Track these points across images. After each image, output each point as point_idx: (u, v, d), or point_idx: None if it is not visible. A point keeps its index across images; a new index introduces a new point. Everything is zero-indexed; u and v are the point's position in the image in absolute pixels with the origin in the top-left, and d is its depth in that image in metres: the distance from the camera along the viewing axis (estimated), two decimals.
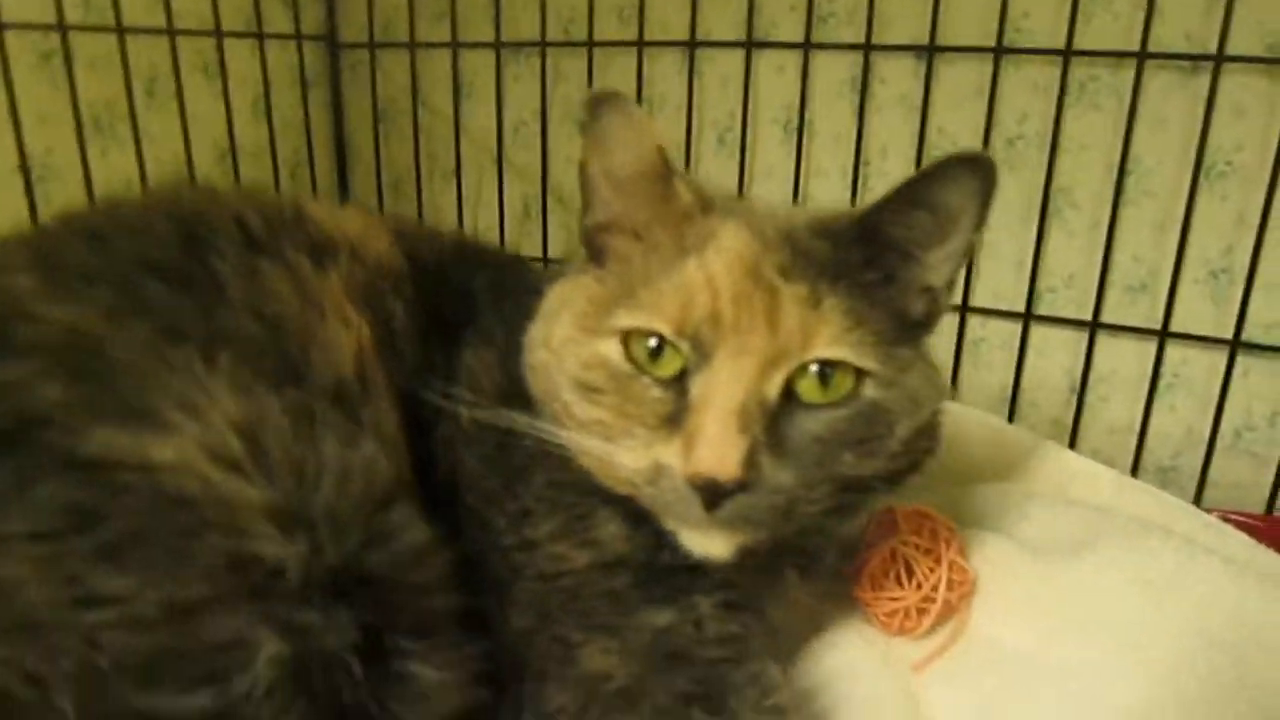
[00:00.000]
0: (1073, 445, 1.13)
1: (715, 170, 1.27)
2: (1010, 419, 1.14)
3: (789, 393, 0.58)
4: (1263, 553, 0.86)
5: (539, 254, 1.37)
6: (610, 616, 0.61)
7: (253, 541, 0.50)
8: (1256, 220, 1.00)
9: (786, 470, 0.57)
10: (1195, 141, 1.00)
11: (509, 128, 1.36)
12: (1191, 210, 1.03)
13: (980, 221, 0.61)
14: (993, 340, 1.17)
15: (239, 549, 0.50)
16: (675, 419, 0.57)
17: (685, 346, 0.58)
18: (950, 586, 0.71)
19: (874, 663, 0.72)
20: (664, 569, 0.61)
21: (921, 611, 0.71)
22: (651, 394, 0.58)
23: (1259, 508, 1.06)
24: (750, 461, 0.55)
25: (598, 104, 0.62)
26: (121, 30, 1.09)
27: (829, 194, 1.21)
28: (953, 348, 1.16)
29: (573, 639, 0.60)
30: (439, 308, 0.70)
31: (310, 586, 0.51)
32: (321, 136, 1.45)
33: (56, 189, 1.07)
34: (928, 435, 0.67)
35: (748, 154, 1.23)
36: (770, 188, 1.24)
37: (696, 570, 0.61)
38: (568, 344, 0.62)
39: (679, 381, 0.58)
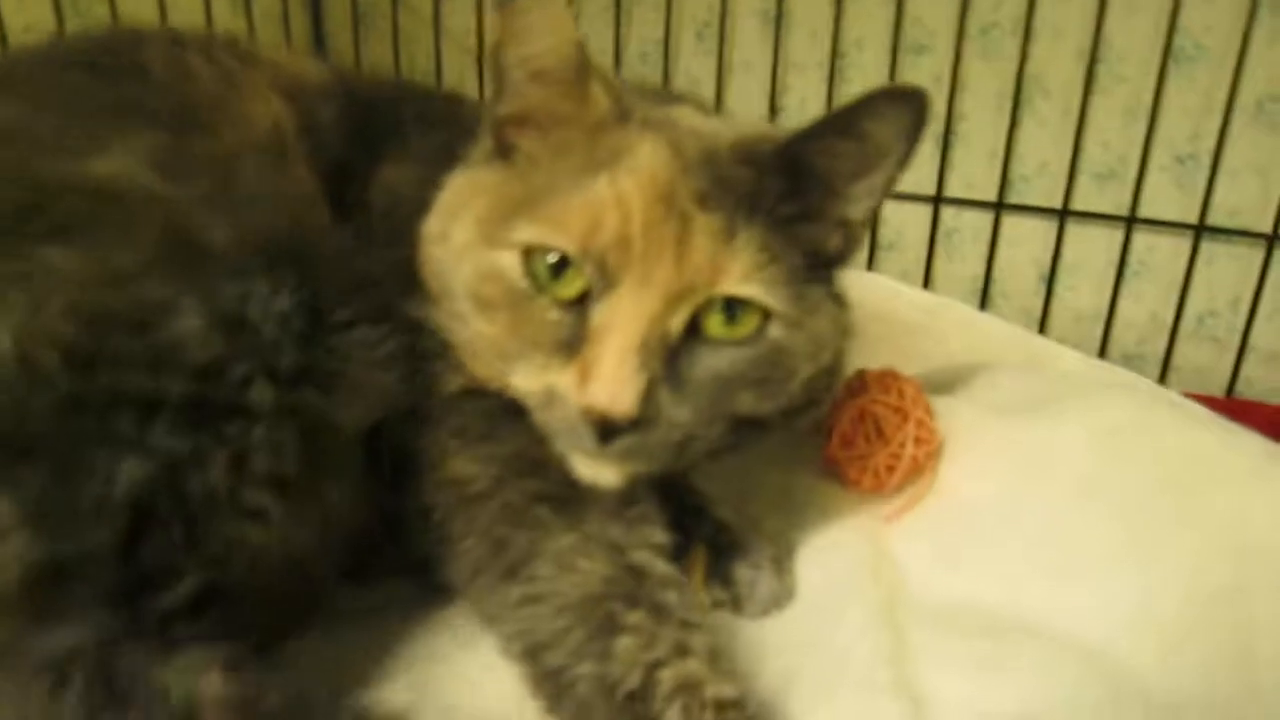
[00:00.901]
0: (1042, 333, 1.16)
1: (694, 66, 1.28)
2: (982, 308, 1.17)
3: (693, 327, 0.57)
4: (1223, 426, 0.89)
5: None
6: (481, 429, 0.62)
7: (190, 221, 0.54)
8: (1223, 105, 1.02)
9: (684, 407, 0.57)
10: (1165, 24, 1.02)
11: (489, 28, 1.35)
12: (1160, 96, 1.05)
13: (907, 157, 0.59)
14: (965, 231, 1.19)
15: (175, 224, 0.54)
16: (572, 345, 0.56)
17: (589, 269, 0.56)
18: (917, 443, 0.74)
19: (840, 513, 0.76)
20: None
21: (890, 468, 0.74)
22: (549, 316, 0.57)
23: (1220, 391, 1.10)
24: (647, 398, 0.54)
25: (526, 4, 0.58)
26: None
27: (806, 88, 1.22)
28: (926, 240, 1.18)
29: (442, 445, 0.61)
30: (366, 124, 0.71)
31: (243, 260, 0.54)
32: (300, 38, 1.44)
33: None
34: (828, 375, 0.65)
35: (726, 47, 1.23)
36: (748, 81, 1.25)
37: None
38: (466, 250, 0.60)
39: (579, 305, 0.57)
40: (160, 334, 0.50)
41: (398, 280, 0.63)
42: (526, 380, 0.58)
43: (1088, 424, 0.77)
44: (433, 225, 0.63)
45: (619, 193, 0.56)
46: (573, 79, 0.59)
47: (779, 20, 1.20)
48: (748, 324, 0.58)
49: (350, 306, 0.59)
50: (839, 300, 0.65)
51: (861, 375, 0.80)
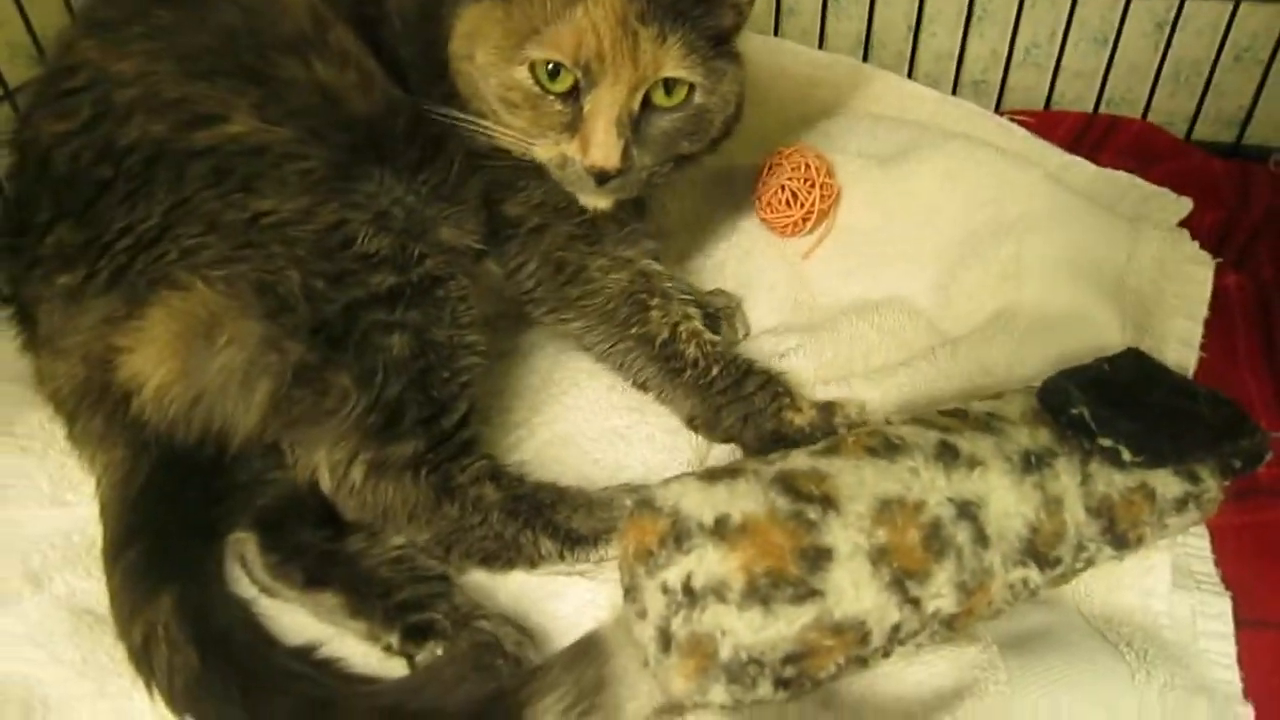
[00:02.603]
0: (910, 73, 1.48)
1: None
2: (865, 59, 1.47)
3: (646, 102, 0.84)
4: (1032, 140, 1.27)
5: None
6: (511, 180, 0.93)
7: (307, 160, 0.78)
8: None
9: (647, 156, 0.86)
10: None
11: None
12: None
13: None
14: None
15: (303, 168, 0.77)
16: (573, 125, 0.84)
17: (578, 72, 0.81)
18: (823, 200, 1.09)
19: (772, 257, 1.12)
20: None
21: (805, 219, 1.10)
22: (555, 107, 0.84)
23: (1040, 106, 1.46)
24: (625, 154, 0.83)
25: None
26: None
27: None
28: (819, 6, 1.45)
29: (495, 195, 0.92)
30: None
31: (347, 168, 0.79)
32: None
33: None
34: (735, 116, 0.94)
35: None
36: None
37: None
38: (489, 67, 0.85)
39: (573, 98, 0.83)
40: (357, 245, 0.77)
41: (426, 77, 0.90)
42: (545, 151, 0.87)
43: (936, 168, 1.13)
44: (458, 47, 0.88)
45: (591, 20, 0.80)
46: None
47: None
48: (680, 94, 0.86)
49: (415, 145, 0.86)
50: (738, 60, 0.91)
51: (779, 155, 1.13)
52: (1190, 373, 0.92)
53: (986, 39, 1.46)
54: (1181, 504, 0.74)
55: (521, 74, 0.84)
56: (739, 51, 0.94)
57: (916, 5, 1.43)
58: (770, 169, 1.12)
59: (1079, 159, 1.23)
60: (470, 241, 0.88)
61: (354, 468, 0.77)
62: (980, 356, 0.92)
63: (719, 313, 1.03)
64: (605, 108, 0.82)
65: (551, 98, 0.84)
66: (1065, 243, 1.01)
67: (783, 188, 1.09)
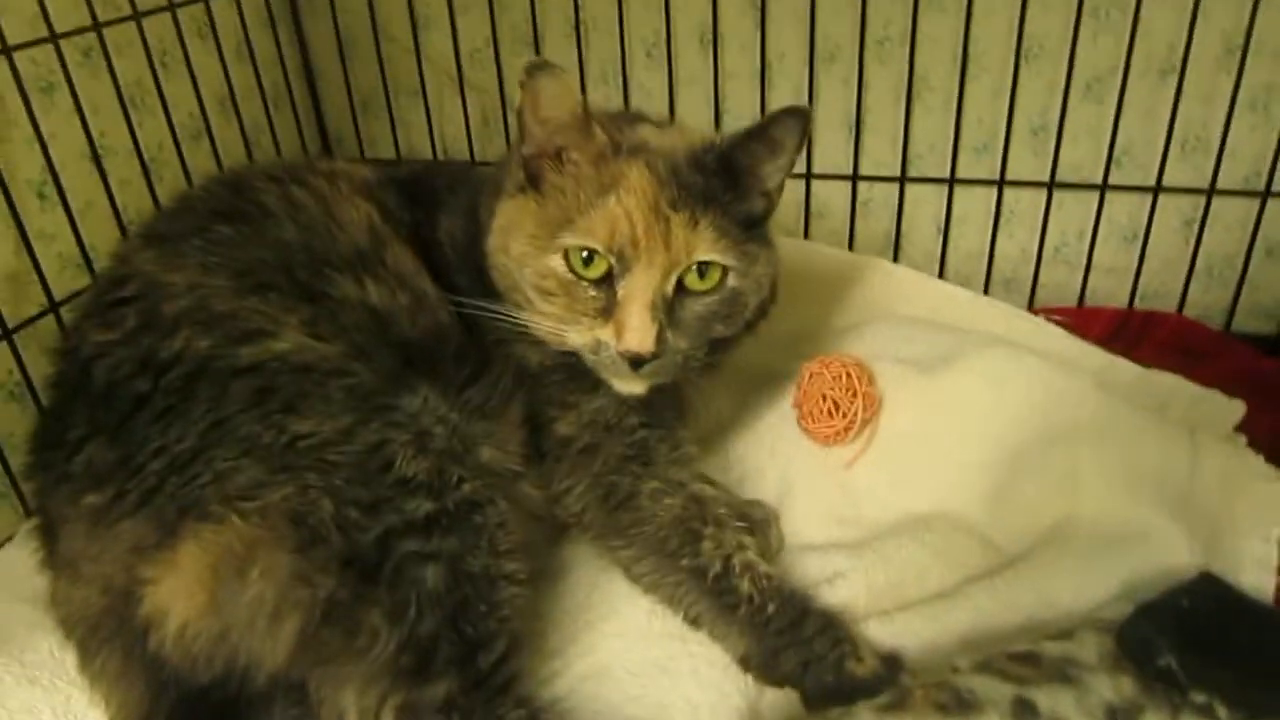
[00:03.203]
0: (941, 272, 1.49)
1: (645, 79, 1.52)
2: (895, 259, 1.49)
3: (680, 286, 0.87)
4: (1070, 340, 1.26)
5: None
6: (564, 398, 0.94)
7: (354, 376, 0.79)
8: (1062, 88, 1.33)
9: (681, 340, 0.88)
10: (1015, 29, 1.32)
11: (465, 53, 1.57)
12: (1016, 84, 1.35)
13: (800, 147, 0.90)
14: (878, 199, 1.50)
15: (349, 384, 0.78)
16: (607, 310, 0.86)
17: (611, 259, 0.85)
18: (864, 408, 1.07)
19: (813, 465, 1.09)
20: (586, 371, 0.92)
21: (848, 429, 1.08)
22: (589, 293, 0.86)
23: (1073, 302, 1.46)
24: (659, 339, 0.85)
25: (534, 70, 0.84)
26: (138, 15, 1.27)
27: (740, 94, 1.49)
28: (848, 209, 1.49)
29: (548, 413, 0.94)
30: (415, 198, 1.01)
31: (393, 383, 0.80)
32: (295, 71, 1.64)
33: (116, 162, 1.27)
34: (770, 298, 0.99)
35: (673, 64, 1.49)
36: (692, 92, 1.51)
37: None
38: (524, 258, 0.88)
39: (607, 284, 0.86)
40: (395, 469, 0.75)
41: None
42: (579, 337, 0.88)
43: (976, 375, 1.11)
44: (494, 242, 0.91)
45: (625, 209, 0.85)
46: (578, 126, 0.88)
47: (715, 40, 1.45)
48: (713, 277, 0.88)
49: (463, 364, 0.89)
50: (769, 243, 0.95)
51: (818, 364, 1.12)
52: (1269, 598, 0.87)
53: (1015, 238, 1.48)
54: None
55: (556, 262, 0.87)
56: (770, 235, 0.96)
57: (945, 206, 1.46)
58: (810, 378, 1.11)
59: (1121, 360, 1.21)
60: (511, 464, 0.87)
61: (384, 712, 0.72)
62: (1042, 587, 0.87)
63: (755, 525, 0.99)
64: (639, 293, 0.85)
65: (585, 284, 0.86)
66: (1121, 454, 0.98)
67: (824, 397, 1.08)
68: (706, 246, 0.87)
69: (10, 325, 1.10)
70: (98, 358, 0.79)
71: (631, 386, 0.91)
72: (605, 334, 0.86)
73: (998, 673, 0.68)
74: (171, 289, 0.81)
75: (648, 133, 0.94)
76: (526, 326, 0.91)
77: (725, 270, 0.89)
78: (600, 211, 0.85)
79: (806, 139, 0.91)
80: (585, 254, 0.86)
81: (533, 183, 0.91)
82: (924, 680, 0.69)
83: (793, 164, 0.93)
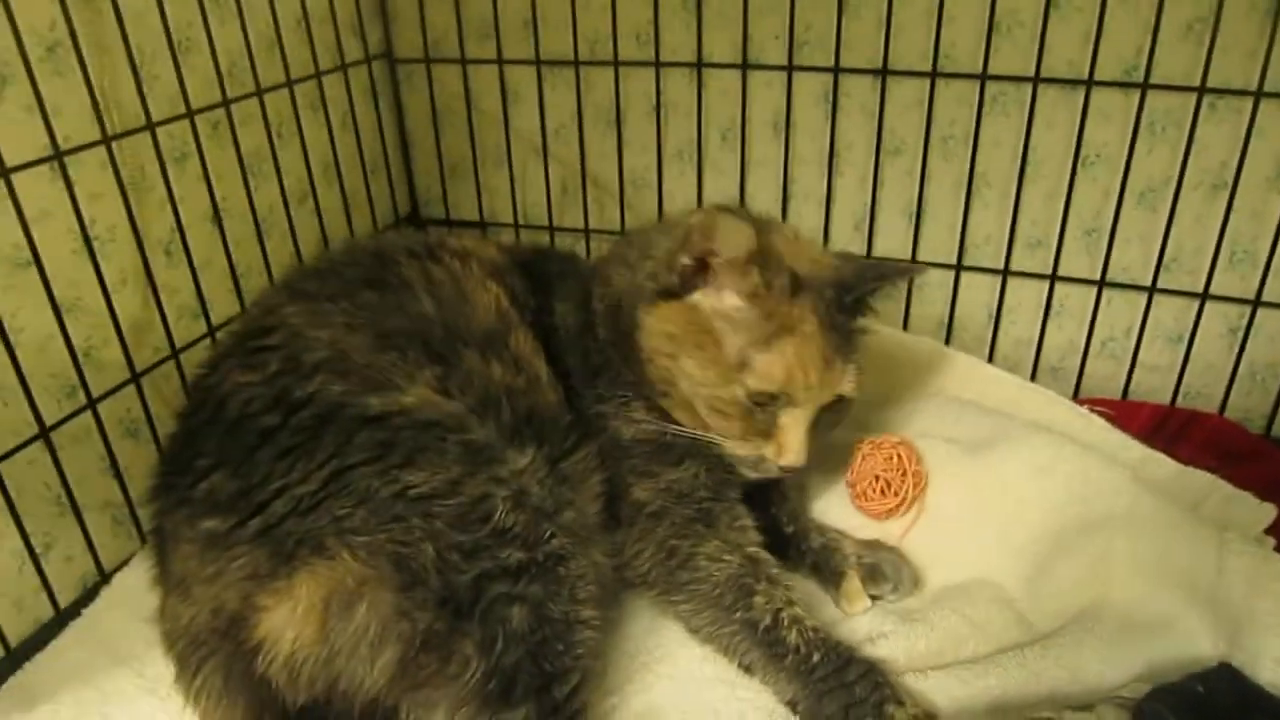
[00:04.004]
0: (991, 357, 1.57)
1: (719, 159, 1.63)
2: (947, 342, 1.56)
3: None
4: (1111, 432, 1.32)
5: (580, 225, 1.74)
6: (645, 468, 1.04)
7: (470, 432, 0.87)
8: (1116, 194, 1.41)
9: (814, 445, 1.02)
10: (1074, 138, 1.40)
11: (550, 128, 1.69)
12: (1073, 188, 1.43)
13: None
14: (933, 284, 1.58)
15: (466, 439, 0.87)
16: (768, 431, 1.01)
17: (782, 395, 0.99)
18: (914, 487, 1.15)
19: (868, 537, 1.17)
20: (673, 445, 1.04)
21: (900, 506, 1.16)
22: (758, 418, 1.00)
23: (1117, 394, 1.52)
24: (808, 452, 1.00)
25: (724, 214, 0.95)
26: (260, 92, 1.40)
27: (807, 178, 1.58)
28: (905, 293, 1.57)
29: (628, 480, 1.04)
30: (534, 280, 1.11)
31: (506, 443, 0.89)
32: (391, 139, 1.77)
33: (233, 222, 1.39)
34: None
35: (745, 148, 1.60)
36: (763, 174, 1.61)
37: (693, 448, 1.04)
38: (704, 384, 0.99)
39: (770, 408, 0.99)
40: (494, 520, 0.83)
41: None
42: (743, 450, 1.02)
43: (1020, 461, 1.18)
44: (658, 343, 1.01)
45: (800, 358, 0.98)
46: (742, 265, 0.97)
47: (787, 127, 1.55)
48: (841, 402, 1.04)
49: (567, 435, 0.98)
50: (863, 354, 1.08)
51: (870, 445, 1.20)
52: None
53: (1064, 330, 1.54)
54: None
55: (737, 393, 0.98)
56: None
57: (998, 296, 1.54)
58: (863, 460, 1.19)
59: (1159, 455, 1.27)
60: (587, 528, 0.95)
61: None
62: (1069, 661, 0.93)
63: (883, 563, 1.09)
64: (800, 423, 1.00)
65: (756, 409, 0.99)
66: (1152, 547, 1.04)
67: (877, 478, 1.15)
68: (848, 385, 1.03)
69: (138, 369, 1.21)
70: (235, 394, 0.88)
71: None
72: (768, 450, 1.02)
73: None
74: (315, 342, 0.90)
75: (780, 245, 1.03)
76: (680, 429, 1.04)
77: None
78: (779, 355, 0.97)
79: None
80: (758, 391, 0.98)
81: (683, 287, 1.01)
82: None
83: None
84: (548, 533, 0.86)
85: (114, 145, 1.13)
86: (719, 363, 0.98)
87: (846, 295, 1.02)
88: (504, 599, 0.82)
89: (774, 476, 1.05)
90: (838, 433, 1.25)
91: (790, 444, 1.00)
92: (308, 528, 0.81)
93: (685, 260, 1.00)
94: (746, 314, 0.98)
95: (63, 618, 1.12)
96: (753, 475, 1.05)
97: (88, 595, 1.15)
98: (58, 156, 1.06)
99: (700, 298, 1.01)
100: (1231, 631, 0.96)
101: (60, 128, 1.06)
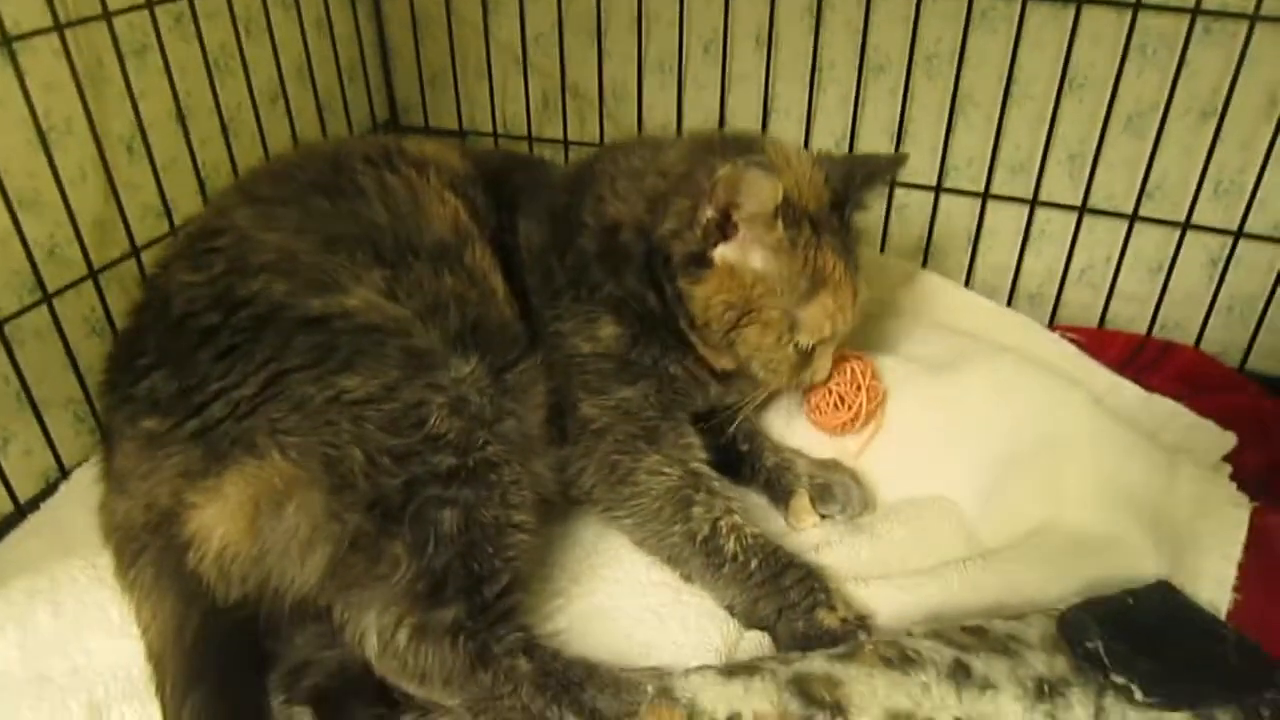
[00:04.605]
0: (969, 281, 1.55)
1: (700, 72, 1.59)
2: (924, 265, 1.55)
3: None
4: (1081, 358, 1.32)
5: (559, 136, 1.71)
6: (598, 385, 1.04)
7: (413, 338, 0.87)
8: (1101, 118, 1.38)
9: None
10: (1062, 59, 1.37)
11: (530, 36, 1.66)
12: (1058, 110, 1.40)
13: None
14: (913, 206, 1.56)
15: (407, 344, 0.86)
16: (804, 364, 1.06)
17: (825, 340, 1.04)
18: (869, 402, 1.14)
19: (825, 454, 1.17)
20: (633, 363, 1.05)
21: (854, 421, 1.15)
22: (796, 359, 1.05)
23: (1094, 323, 1.51)
24: None
25: (751, 167, 0.93)
26: None
27: (789, 94, 1.55)
28: (883, 214, 1.55)
29: (578, 395, 1.04)
30: (498, 196, 1.10)
31: (449, 350, 0.89)
32: (370, 45, 1.73)
33: (198, 121, 1.36)
34: None
35: (728, 62, 1.56)
36: (744, 89, 1.57)
37: (650, 370, 1.05)
38: (760, 348, 1.02)
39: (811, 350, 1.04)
40: (428, 426, 0.83)
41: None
42: (779, 382, 1.07)
43: (982, 380, 1.18)
44: (715, 314, 1.01)
45: (839, 305, 1.02)
46: (767, 219, 0.96)
47: (769, 41, 1.52)
48: None
49: (513, 348, 0.97)
50: None
51: None
52: (1224, 614, 0.92)
53: (1043, 257, 1.53)
54: None
55: (790, 352, 1.04)
56: None
57: (977, 219, 1.51)
58: None
59: (1127, 382, 1.27)
60: (525, 442, 0.94)
61: (400, 631, 0.81)
62: (1011, 574, 0.93)
63: (834, 485, 1.10)
64: (829, 353, 1.09)
65: (796, 353, 1.04)
66: (1104, 468, 1.04)
67: (830, 391, 1.15)
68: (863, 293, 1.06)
69: (96, 266, 1.20)
70: (179, 293, 0.88)
71: None
72: (805, 377, 1.08)
73: (945, 639, 0.75)
74: (263, 245, 0.90)
75: (775, 157, 1.01)
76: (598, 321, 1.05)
77: None
78: (820, 308, 1.01)
79: None
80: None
81: (707, 242, 0.99)
82: (878, 639, 0.76)
83: None
84: (482, 440, 0.86)
85: (67, 33, 1.10)
86: (773, 328, 1.01)
87: (847, 210, 1.03)
88: (435, 502, 0.82)
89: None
90: None
91: (823, 368, 1.08)
92: (243, 429, 0.82)
93: (710, 214, 0.98)
94: (781, 271, 0.99)
95: (22, 511, 1.13)
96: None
97: (48, 490, 1.16)
98: (6, 43, 1.04)
99: (726, 252, 1.00)
100: (1175, 551, 0.97)
101: (9, 12, 1.04)
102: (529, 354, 0.99)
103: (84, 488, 1.12)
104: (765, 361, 1.04)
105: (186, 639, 0.82)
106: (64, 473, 1.19)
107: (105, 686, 0.87)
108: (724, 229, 0.98)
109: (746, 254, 0.99)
